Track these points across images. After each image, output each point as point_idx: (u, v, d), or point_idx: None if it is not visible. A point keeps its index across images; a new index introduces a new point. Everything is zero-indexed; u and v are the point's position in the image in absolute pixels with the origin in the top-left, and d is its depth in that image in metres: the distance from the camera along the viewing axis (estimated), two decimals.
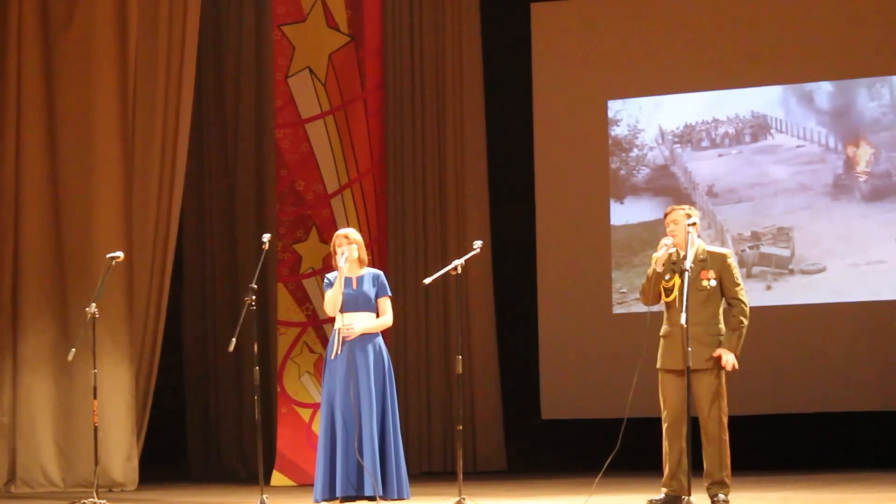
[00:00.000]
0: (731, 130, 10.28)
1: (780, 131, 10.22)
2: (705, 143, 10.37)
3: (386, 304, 6.92)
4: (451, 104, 10.64)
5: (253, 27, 10.79)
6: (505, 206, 10.68)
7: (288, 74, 9.70)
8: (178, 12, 9.52)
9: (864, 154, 10.05)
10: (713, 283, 6.64)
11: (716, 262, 6.69)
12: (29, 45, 9.41)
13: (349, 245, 6.87)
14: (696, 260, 6.61)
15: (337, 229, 9.45)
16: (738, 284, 6.68)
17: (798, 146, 10.18)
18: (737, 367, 6.54)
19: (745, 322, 6.62)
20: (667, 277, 6.65)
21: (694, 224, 6.65)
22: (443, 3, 10.69)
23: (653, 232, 9.85)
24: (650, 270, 6.69)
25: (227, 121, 10.87)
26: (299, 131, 9.69)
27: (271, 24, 9.99)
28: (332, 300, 6.83)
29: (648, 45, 10.42)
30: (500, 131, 10.72)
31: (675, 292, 6.60)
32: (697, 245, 6.66)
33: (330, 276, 6.94)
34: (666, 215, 6.77)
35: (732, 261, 6.73)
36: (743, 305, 6.65)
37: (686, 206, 6.83)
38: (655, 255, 6.66)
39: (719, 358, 6.60)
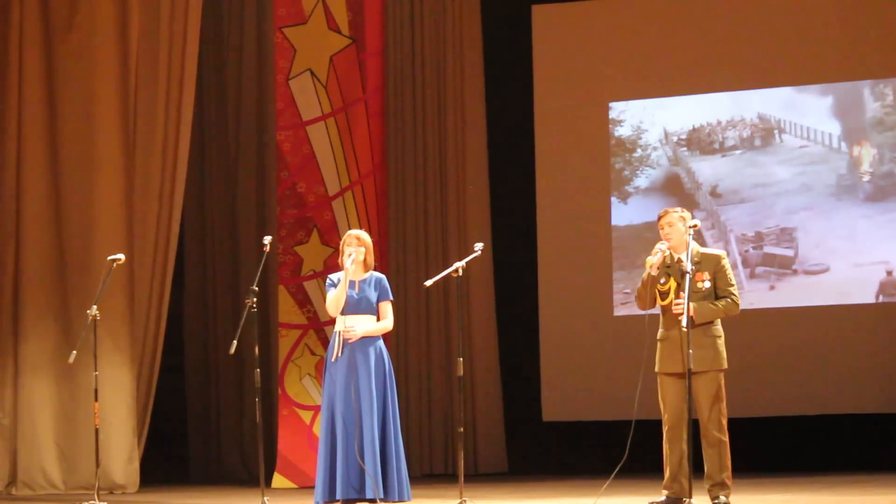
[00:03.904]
0: (735, 131, 10.26)
1: (784, 132, 10.20)
2: (709, 145, 10.34)
3: (387, 308, 6.91)
4: (452, 106, 10.63)
5: (254, 29, 10.79)
6: (506, 209, 10.67)
7: (289, 76, 9.70)
8: (178, 15, 9.52)
9: (867, 154, 10.03)
10: (707, 284, 6.63)
11: (710, 263, 6.68)
12: (30, 48, 9.42)
13: (358, 247, 6.86)
14: (690, 262, 6.59)
15: (338, 231, 9.54)
16: (731, 284, 6.66)
17: (801, 146, 10.16)
18: (682, 316, 6.39)
19: (726, 309, 6.59)
20: (661, 281, 6.64)
21: (694, 227, 6.64)
22: (444, 5, 10.68)
23: (656, 232, 9.83)
24: (645, 274, 6.68)
25: (228, 123, 10.87)
26: (300, 133, 9.69)
27: (272, 27, 9.99)
28: (336, 299, 6.81)
29: (650, 47, 10.40)
30: (502, 133, 10.72)
31: (671, 296, 6.58)
32: (691, 247, 6.64)
33: (333, 276, 6.93)
34: (659, 218, 6.75)
35: (726, 262, 6.72)
36: (734, 298, 6.62)
37: (679, 209, 6.81)
38: (650, 260, 6.65)
39: (718, 358, 6.59)
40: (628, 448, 6.63)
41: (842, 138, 10.07)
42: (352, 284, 6.85)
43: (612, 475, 6.76)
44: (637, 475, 7.68)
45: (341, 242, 6.96)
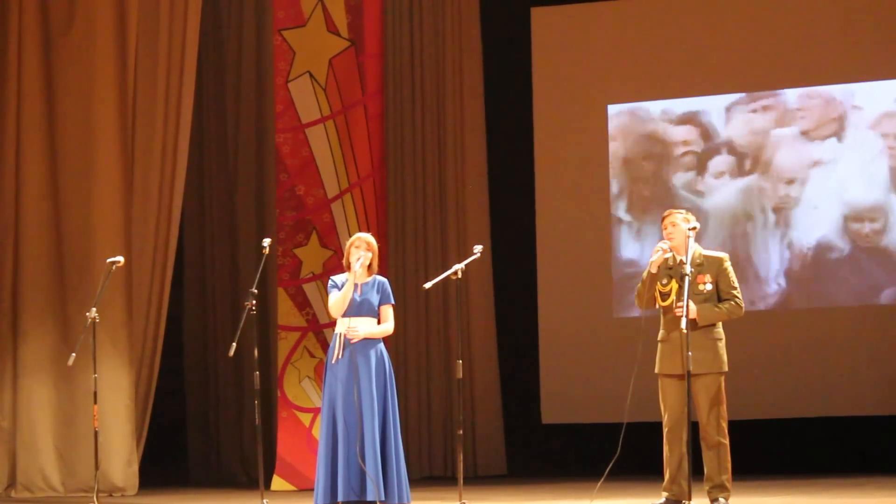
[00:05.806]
0: (734, 133, 10.26)
1: (784, 133, 10.20)
2: (709, 146, 10.34)
3: (388, 312, 6.92)
4: (451, 108, 10.63)
5: (253, 32, 10.79)
6: (505, 211, 10.67)
7: (288, 79, 9.70)
8: (178, 17, 9.52)
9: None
10: (709, 286, 6.64)
11: (712, 265, 6.68)
12: (29, 49, 9.41)
13: (366, 252, 6.86)
14: (692, 264, 6.60)
15: (337, 234, 9.55)
16: (734, 287, 6.67)
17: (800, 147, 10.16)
18: (687, 319, 6.38)
19: (729, 313, 6.60)
20: (663, 282, 6.64)
21: (694, 228, 6.65)
22: (443, 7, 10.68)
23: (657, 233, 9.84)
24: (645, 273, 6.69)
25: (227, 125, 10.87)
26: (299, 136, 9.70)
27: (272, 29, 10.00)
28: (342, 300, 6.80)
29: (649, 49, 10.40)
30: (501, 135, 10.72)
31: (672, 297, 6.59)
32: (694, 249, 6.65)
33: (336, 278, 6.93)
34: (663, 218, 6.77)
35: (729, 264, 6.72)
36: (737, 301, 6.64)
37: (683, 210, 6.83)
38: (651, 259, 6.66)
39: (718, 361, 6.60)
40: (620, 447, 6.64)
41: (842, 138, 10.07)
42: (354, 287, 6.86)
43: (604, 475, 6.77)
44: (636, 477, 7.70)
45: (348, 244, 6.96)
